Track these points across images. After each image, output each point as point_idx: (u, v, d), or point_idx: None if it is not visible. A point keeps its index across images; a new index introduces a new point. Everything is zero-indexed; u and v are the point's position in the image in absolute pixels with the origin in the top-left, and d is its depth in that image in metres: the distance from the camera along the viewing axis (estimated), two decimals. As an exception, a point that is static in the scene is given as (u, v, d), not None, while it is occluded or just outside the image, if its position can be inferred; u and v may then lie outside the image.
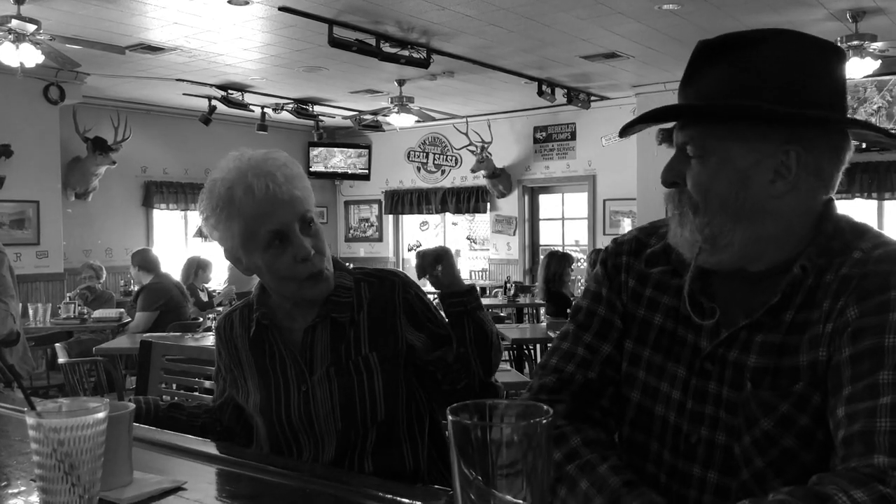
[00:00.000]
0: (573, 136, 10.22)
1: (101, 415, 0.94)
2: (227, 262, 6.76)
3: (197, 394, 2.44)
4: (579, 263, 8.73)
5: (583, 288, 1.28)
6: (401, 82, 8.43)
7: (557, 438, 1.09)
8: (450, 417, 0.72)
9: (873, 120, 7.70)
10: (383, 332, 1.56)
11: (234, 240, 1.46)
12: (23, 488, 1.06)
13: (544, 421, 0.70)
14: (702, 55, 1.11)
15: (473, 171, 10.52)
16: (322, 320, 1.54)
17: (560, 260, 6.57)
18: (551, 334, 5.42)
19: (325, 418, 1.51)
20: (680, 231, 1.11)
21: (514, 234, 10.83)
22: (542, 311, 8.86)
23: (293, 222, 1.45)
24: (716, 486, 1.06)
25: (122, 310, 6.62)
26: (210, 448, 1.30)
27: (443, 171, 11.47)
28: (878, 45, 6.18)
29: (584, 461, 1.05)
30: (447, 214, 11.74)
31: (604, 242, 9.37)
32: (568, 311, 5.97)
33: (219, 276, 9.00)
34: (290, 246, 1.45)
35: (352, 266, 1.73)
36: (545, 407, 0.72)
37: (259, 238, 1.44)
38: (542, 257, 10.85)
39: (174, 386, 2.86)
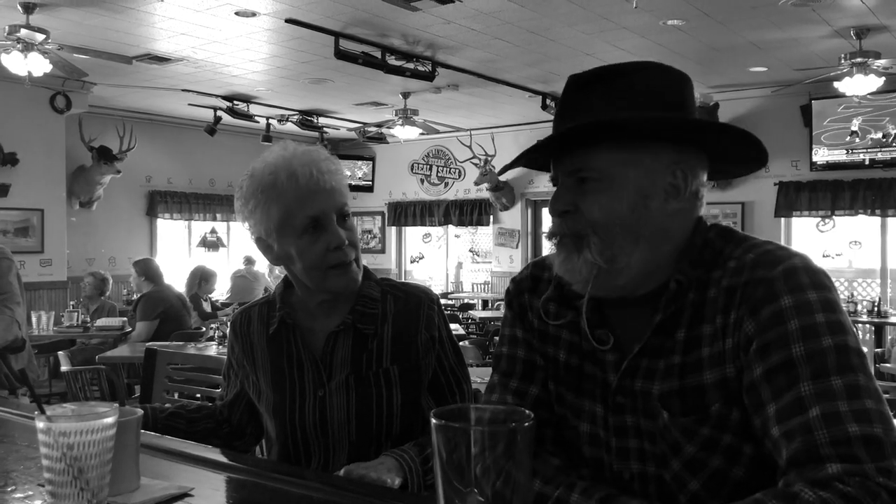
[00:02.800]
0: (577, 150, 10.23)
1: (110, 419, 0.94)
2: (230, 274, 6.73)
3: (199, 397, 2.44)
4: None
5: (500, 337, 1.25)
6: (405, 95, 8.47)
7: None
8: (433, 421, 0.72)
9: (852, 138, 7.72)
10: (405, 346, 1.54)
11: (271, 223, 1.48)
12: (30, 493, 1.06)
13: (526, 424, 0.71)
14: (576, 87, 1.13)
15: (477, 183, 10.55)
16: (346, 328, 1.53)
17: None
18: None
19: (339, 427, 1.50)
20: (571, 260, 1.07)
21: (516, 247, 10.83)
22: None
23: (331, 212, 1.47)
24: None
25: (125, 319, 6.62)
26: (217, 455, 1.30)
27: (446, 184, 11.49)
28: (881, 62, 6.20)
29: (554, 499, 1.03)
30: (450, 227, 11.76)
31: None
32: None
33: (222, 287, 9.02)
34: (324, 233, 1.47)
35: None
36: (527, 412, 0.73)
37: (296, 223, 1.46)
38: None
39: (177, 395, 2.86)
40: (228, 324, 5.32)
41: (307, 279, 1.52)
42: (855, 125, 7.81)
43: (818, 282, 0.99)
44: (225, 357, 2.47)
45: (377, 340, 1.53)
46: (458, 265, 12.50)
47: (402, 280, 12.49)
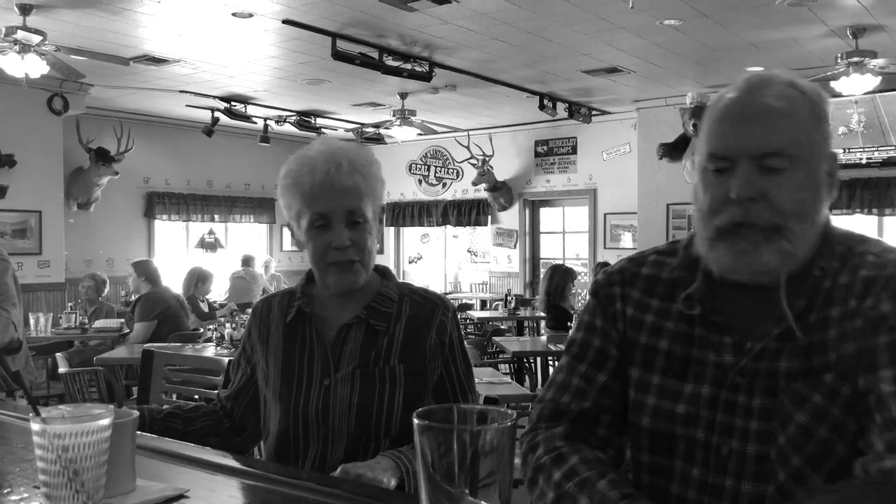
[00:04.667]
0: (574, 150, 10.25)
1: (105, 421, 0.95)
2: (229, 275, 6.71)
3: (196, 399, 2.44)
4: (581, 278, 8.70)
5: (576, 320, 1.30)
6: (403, 95, 8.47)
7: (556, 459, 1.11)
8: (416, 421, 0.72)
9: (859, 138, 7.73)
10: (414, 348, 1.56)
11: (291, 211, 1.57)
12: (25, 495, 1.06)
13: (508, 423, 0.72)
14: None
15: (475, 184, 10.55)
16: (359, 322, 1.57)
17: (563, 274, 6.57)
18: (552, 347, 5.42)
19: (339, 417, 1.52)
20: (757, 251, 1.08)
21: (514, 248, 10.84)
22: (543, 324, 8.86)
23: (339, 211, 1.51)
24: (750, 496, 1.08)
25: (123, 320, 6.62)
26: (213, 456, 1.31)
27: (444, 184, 11.50)
28: (878, 61, 6.21)
29: (582, 478, 1.06)
30: (448, 227, 11.76)
31: (604, 256, 9.38)
32: (568, 324, 5.96)
33: (219, 288, 9.01)
34: (329, 231, 1.52)
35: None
36: (509, 411, 0.74)
37: (307, 215, 1.53)
38: (543, 270, 10.86)
39: (174, 396, 2.86)
40: (227, 325, 5.31)
41: (314, 269, 1.59)
42: (852, 124, 7.82)
43: None
44: (223, 358, 2.48)
45: (388, 338, 1.56)
46: (456, 266, 12.50)
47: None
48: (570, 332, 1.25)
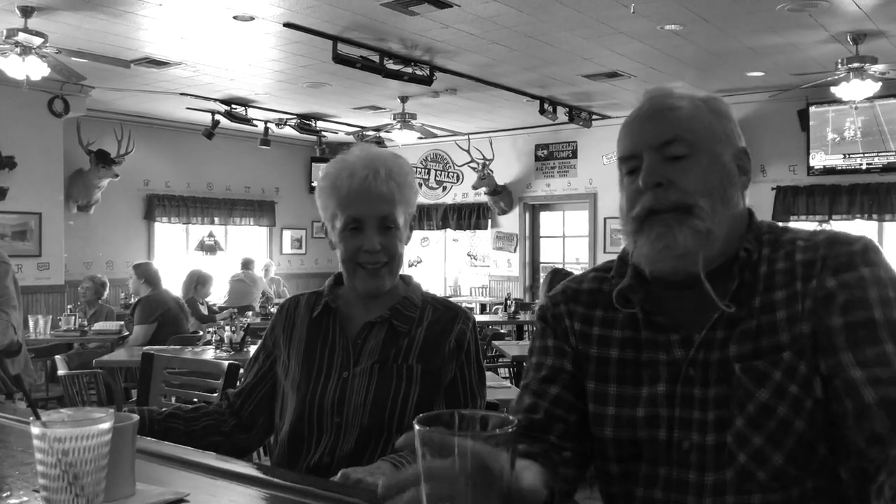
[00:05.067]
0: (574, 155, 10.26)
1: (105, 425, 0.94)
2: (228, 278, 6.69)
3: (195, 402, 2.44)
4: None
5: (530, 350, 1.32)
6: (403, 99, 8.48)
7: None
8: (417, 427, 0.72)
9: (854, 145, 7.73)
10: (433, 350, 1.62)
11: (327, 212, 1.63)
12: (25, 499, 1.06)
13: (510, 430, 0.73)
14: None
15: (475, 187, 10.55)
16: (382, 322, 1.63)
17: (563, 277, 6.55)
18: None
19: (354, 410, 1.57)
20: (671, 234, 1.12)
21: (514, 251, 10.84)
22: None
23: (372, 216, 1.58)
24: (712, 486, 1.10)
25: (122, 323, 6.62)
26: (213, 461, 1.30)
27: (444, 188, 11.50)
28: (878, 67, 6.22)
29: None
30: (448, 230, 11.76)
31: (604, 260, 9.36)
32: None
33: (219, 291, 9.01)
34: (361, 235, 1.58)
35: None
36: (510, 417, 0.77)
37: (341, 218, 1.59)
38: (543, 274, 10.86)
39: (173, 399, 2.86)
40: (226, 328, 5.30)
41: (343, 270, 1.66)
42: (852, 130, 7.83)
43: (887, 262, 1.12)
44: (222, 361, 2.47)
45: (408, 339, 1.63)
46: (456, 270, 12.50)
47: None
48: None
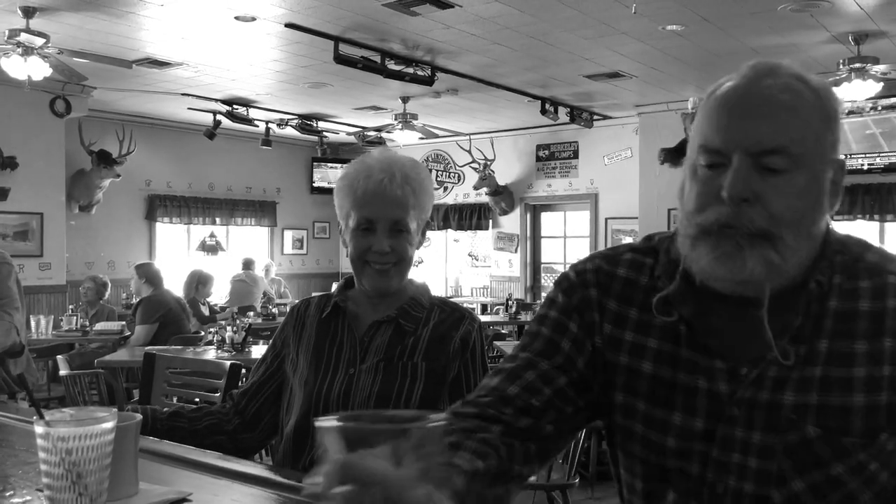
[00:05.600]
0: (576, 155, 10.26)
1: (109, 424, 0.95)
2: (230, 278, 6.67)
3: (197, 402, 2.44)
4: None
5: (538, 315, 1.13)
6: (405, 99, 8.48)
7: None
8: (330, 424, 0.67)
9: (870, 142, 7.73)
10: (438, 349, 1.66)
11: (342, 210, 1.67)
12: (28, 498, 1.06)
13: (430, 426, 0.67)
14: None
15: (476, 188, 10.55)
16: (389, 321, 1.67)
17: None
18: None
19: (359, 405, 1.60)
20: (740, 256, 0.95)
21: (515, 252, 10.84)
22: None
23: (385, 219, 1.61)
24: None
25: (124, 323, 6.62)
26: (216, 460, 1.31)
27: (445, 188, 11.50)
28: (880, 67, 6.21)
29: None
30: (449, 231, 11.76)
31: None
32: None
33: (220, 291, 9.01)
34: (372, 236, 1.62)
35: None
36: (443, 415, 0.69)
37: (354, 218, 1.63)
38: (544, 275, 10.85)
39: (175, 399, 2.86)
40: (228, 328, 5.31)
41: (352, 268, 1.70)
42: (853, 130, 7.82)
43: None
44: (223, 361, 2.48)
45: (414, 337, 1.66)
46: (457, 270, 12.49)
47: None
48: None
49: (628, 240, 10.14)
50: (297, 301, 1.90)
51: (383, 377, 1.62)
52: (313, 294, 1.87)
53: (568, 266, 1.20)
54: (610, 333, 1.07)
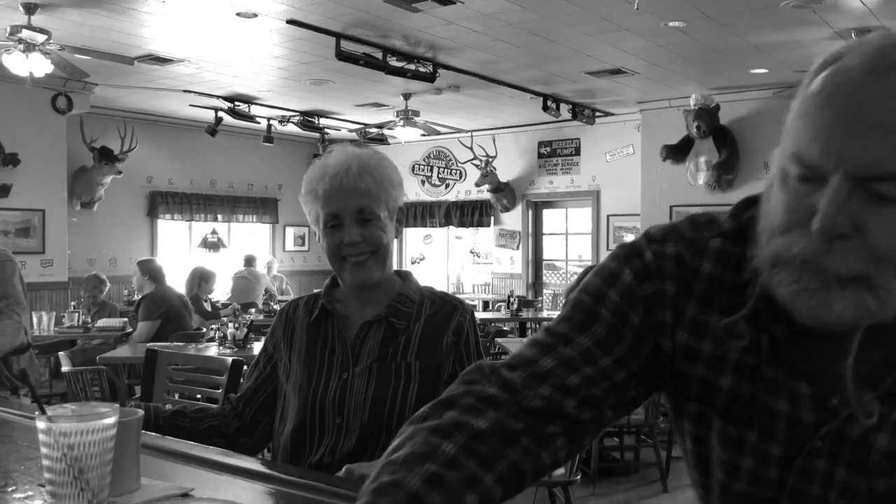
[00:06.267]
0: (577, 152, 10.25)
1: (110, 420, 0.95)
2: (232, 275, 6.68)
3: (199, 398, 2.44)
4: None
5: (595, 289, 0.94)
6: (406, 96, 8.47)
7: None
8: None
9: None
10: (431, 346, 1.64)
11: (311, 215, 1.67)
12: (30, 493, 1.06)
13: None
14: None
15: (478, 185, 10.55)
16: (380, 320, 1.65)
17: None
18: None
19: (355, 409, 1.59)
20: (829, 294, 0.77)
21: (517, 249, 10.84)
22: (545, 325, 8.83)
23: (349, 210, 1.60)
24: None
25: (126, 319, 6.62)
26: (218, 456, 1.31)
27: (447, 185, 11.50)
28: (882, 64, 6.20)
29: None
30: (451, 228, 11.76)
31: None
32: None
33: (222, 288, 9.02)
34: (341, 230, 1.61)
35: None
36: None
37: (322, 217, 1.63)
38: (545, 272, 10.86)
39: (177, 395, 2.86)
40: (230, 325, 5.31)
41: (332, 267, 1.68)
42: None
43: None
44: (225, 357, 2.47)
45: (406, 335, 1.64)
46: (459, 267, 12.50)
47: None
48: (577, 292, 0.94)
49: (630, 237, 10.12)
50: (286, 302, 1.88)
51: (377, 380, 1.60)
52: (301, 295, 1.86)
53: (634, 235, 0.86)
54: (686, 343, 0.91)
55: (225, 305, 8.12)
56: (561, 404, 0.88)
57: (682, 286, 0.91)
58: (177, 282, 7.15)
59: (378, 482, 0.79)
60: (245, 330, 5.07)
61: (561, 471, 3.39)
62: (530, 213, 10.79)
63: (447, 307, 1.69)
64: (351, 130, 10.41)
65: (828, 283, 0.77)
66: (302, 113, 9.54)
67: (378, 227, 1.62)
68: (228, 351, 4.89)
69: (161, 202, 10.02)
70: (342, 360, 1.64)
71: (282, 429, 1.67)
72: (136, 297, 6.60)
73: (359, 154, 1.65)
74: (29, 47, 5.58)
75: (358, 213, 1.60)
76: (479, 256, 11.92)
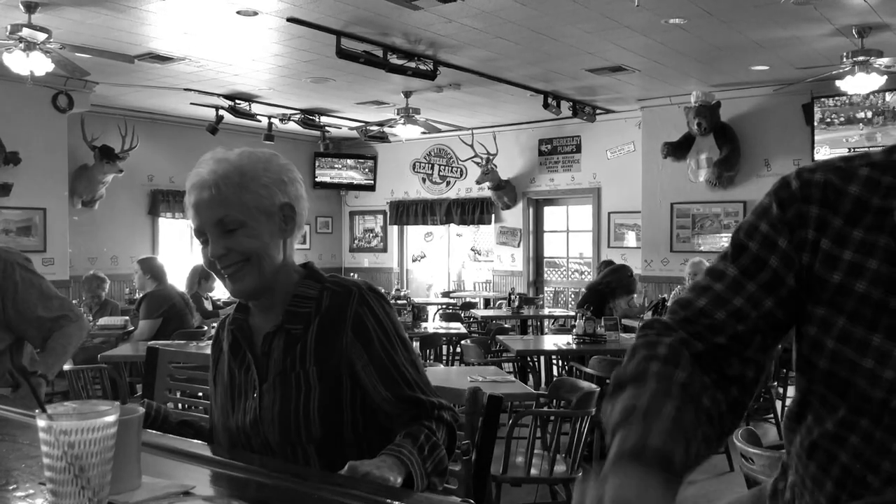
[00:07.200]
0: (578, 149, 10.24)
1: (111, 418, 0.95)
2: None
3: (200, 396, 2.44)
4: (640, 294, 7.80)
5: (748, 224, 1.06)
6: (407, 94, 8.47)
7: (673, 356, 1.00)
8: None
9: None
10: (329, 345, 1.52)
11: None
12: (31, 491, 1.06)
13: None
14: None
15: (478, 182, 10.55)
16: (279, 329, 1.55)
17: (627, 283, 6.35)
18: (553, 345, 5.40)
19: (268, 426, 1.51)
20: None
21: (518, 246, 10.83)
22: (546, 322, 8.85)
23: (209, 224, 1.50)
24: None
25: (127, 318, 6.62)
26: (218, 453, 1.31)
27: (448, 183, 11.50)
28: (883, 60, 6.19)
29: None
30: (452, 225, 11.76)
31: (608, 255, 9.34)
32: (597, 331, 5.45)
33: (223, 286, 9.02)
34: (207, 244, 1.52)
35: (355, 275, 1.71)
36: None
37: (195, 233, 1.54)
38: (546, 269, 10.85)
39: (178, 394, 2.86)
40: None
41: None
42: (857, 124, 7.80)
43: None
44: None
45: (303, 340, 1.53)
46: (460, 264, 12.50)
47: (405, 281, 12.38)
48: (742, 230, 1.07)
49: (631, 234, 10.21)
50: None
51: (282, 394, 1.50)
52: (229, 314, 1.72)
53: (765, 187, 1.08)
54: (828, 250, 0.99)
55: (226, 304, 8.12)
56: (713, 341, 1.02)
57: (826, 206, 1.00)
58: (178, 280, 7.15)
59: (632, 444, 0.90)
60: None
61: (562, 468, 3.40)
62: (531, 210, 10.79)
63: (342, 296, 1.54)
64: (352, 129, 10.40)
65: None
66: (303, 111, 9.54)
67: (245, 234, 1.49)
68: (230, 349, 4.88)
69: (162, 200, 10.03)
70: (253, 377, 1.55)
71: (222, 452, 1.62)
72: (138, 296, 6.60)
73: (223, 158, 1.54)
74: (29, 46, 5.58)
75: (217, 226, 1.49)
76: (480, 254, 11.92)
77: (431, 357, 6.19)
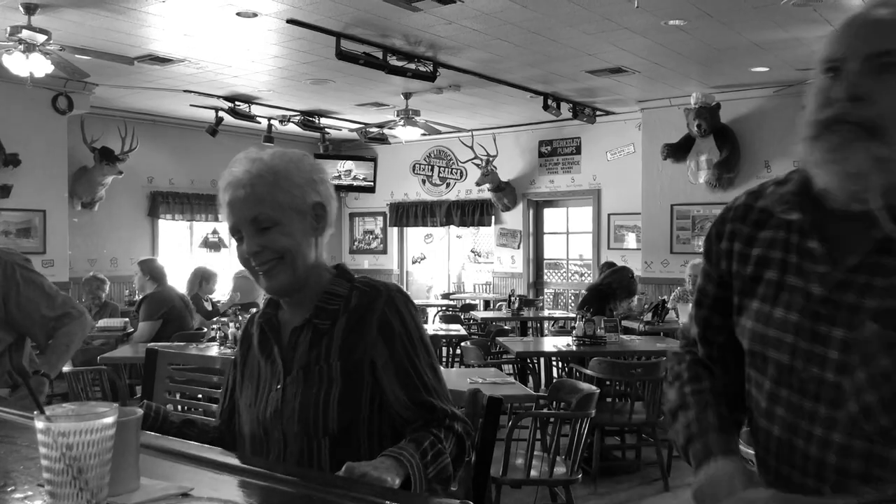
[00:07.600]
0: (578, 151, 10.25)
1: (109, 419, 0.94)
2: (233, 275, 6.68)
3: (199, 398, 2.44)
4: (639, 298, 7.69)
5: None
6: (407, 95, 8.47)
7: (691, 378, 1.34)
8: None
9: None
10: (354, 342, 1.55)
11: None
12: (29, 493, 1.06)
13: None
14: None
15: (478, 184, 10.55)
16: (306, 324, 1.59)
17: (628, 284, 6.35)
18: (553, 346, 5.40)
19: (288, 419, 1.54)
20: (849, 148, 1.04)
21: (518, 248, 10.83)
22: (546, 324, 8.85)
23: (244, 221, 1.55)
24: (824, 418, 1.10)
25: (127, 319, 6.62)
26: (217, 455, 1.30)
27: (448, 184, 11.50)
28: (883, 62, 6.19)
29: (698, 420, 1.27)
30: (452, 227, 11.76)
31: (608, 256, 9.35)
32: (599, 330, 5.57)
33: (223, 288, 9.02)
34: (242, 242, 1.57)
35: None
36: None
37: (230, 230, 1.59)
38: (546, 271, 10.85)
39: (178, 395, 2.86)
40: (231, 324, 5.31)
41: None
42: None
43: None
44: (226, 357, 2.47)
45: (329, 336, 1.57)
46: (460, 266, 12.50)
47: (405, 283, 12.37)
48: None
49: (631, 235, 10.21)
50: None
51: (304, 387, 1.54)
52: (237, 314, 1.82)
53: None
54: (739, 252, 1.25)
55: (226, 306, 8.12)
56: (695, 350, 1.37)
57: (739, 220, 1.26)
58: (178, 282, 7.15)
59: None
60: (246, 329, 5.06)
61: (562, 469, 3.40)
62: (531, 212, 10.79)
63: (371, 295, 1.58)
64: (351, 130, 10.40)
65: (846, 138, 1.04)
66: (302, 113, 9.54)
67: (279, 232, 1.53)
68: (229, 351, 4.89)
69: (162, 202, 10.03)
70: (278, 370, 1.59)
71: (241, 443, 1.65)
72: (138, 298, 6.60)
73: (257, 158, 1.58)
74: (29, 48, 5.58)
75: (253, 223, 1.53)
76: (479, 256, 11.91)
77: (431, 358, 6.17)
